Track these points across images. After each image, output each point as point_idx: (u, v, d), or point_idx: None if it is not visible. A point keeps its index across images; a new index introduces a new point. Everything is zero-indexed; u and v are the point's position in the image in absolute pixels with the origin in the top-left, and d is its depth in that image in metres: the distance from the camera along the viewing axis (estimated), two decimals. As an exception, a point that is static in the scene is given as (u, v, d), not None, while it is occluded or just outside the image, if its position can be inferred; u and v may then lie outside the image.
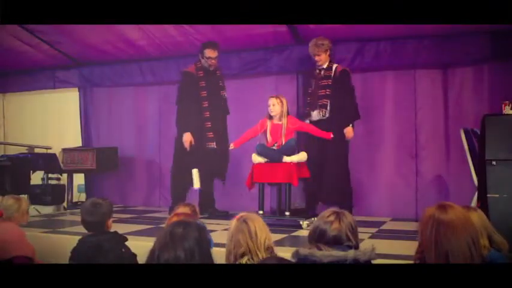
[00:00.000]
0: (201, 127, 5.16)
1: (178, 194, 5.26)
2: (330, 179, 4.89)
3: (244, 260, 2.17)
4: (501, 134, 3.58)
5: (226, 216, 5.16)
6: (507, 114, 3.74)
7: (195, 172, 5.04)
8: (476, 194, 3.99)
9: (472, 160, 4.30)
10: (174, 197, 5.34)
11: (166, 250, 1.70)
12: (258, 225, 2.24)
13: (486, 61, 5.07)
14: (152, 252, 1.75)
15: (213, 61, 5.18)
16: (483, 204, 3.57)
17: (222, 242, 3.53)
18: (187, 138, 5.13)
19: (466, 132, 4.44)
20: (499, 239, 2.21)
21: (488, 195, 3.52)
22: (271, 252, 2.23)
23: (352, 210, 4.62)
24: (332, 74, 4.91)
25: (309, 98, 4.98)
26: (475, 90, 5.16)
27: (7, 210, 3.19)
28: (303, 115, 4.94)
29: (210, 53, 5.15)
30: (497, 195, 3.50)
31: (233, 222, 2.29)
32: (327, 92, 4.87)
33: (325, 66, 4.95)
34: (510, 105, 3.76)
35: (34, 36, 6.08)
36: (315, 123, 4.84)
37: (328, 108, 4.85)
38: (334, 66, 4.96)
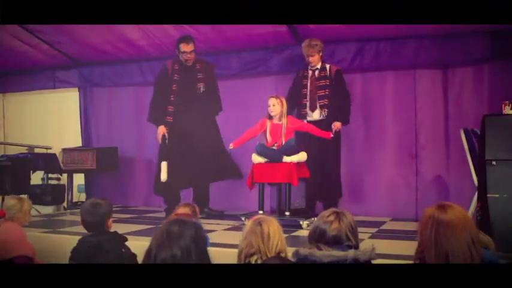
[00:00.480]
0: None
1: (170, 192, 5.15)
2: (329, 178, 4.91)
3: (254, 259, 2.18)
4: (501, 134, 3.57)
5: (221, 216, 5.13)
6: (507, 114, 3.73)
7: (163, 165, 4.96)
8: (476, 194, 3.99)
9: (472, 160, 4.30)
10: (167, 198, 5.23)
11: (163, 249, 1.71)
12: (273, 228, 2.24)
13: (486, 61, 5.06)
14: (149, 251, 1.75)
15: (188, 55, 5.00)
16: (483, 204, 3.56)
17: (222, 242, 3.55)
18: (160, 131, 5.04)
19: (466, 132, 4.44)
20: (486, 239, 2.21)
21: (488, 195, 3.51)
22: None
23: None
24: (328, 74, 4.93)
25: (304, 99, 4.95)
26: (475, 90, 5.16)
27: (10, 210, 3.19)
28: (298, 116, 4.93)
29: (184, 47, 4.99)
30: (497, 195, 3.50)
31: (249, 223, 2.31)
32: (326, 92, 4.88)
33: (318, 66, 4.95)
34: (510, 105, 3.75)
35: (34, 36, 6.07)
36: (315, 123, 4.84)
37: (329, 107, 4.87)
38: (328, 66, 4.98)
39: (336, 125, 4.84)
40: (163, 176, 4.94)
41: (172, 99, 5.03)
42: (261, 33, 5.43)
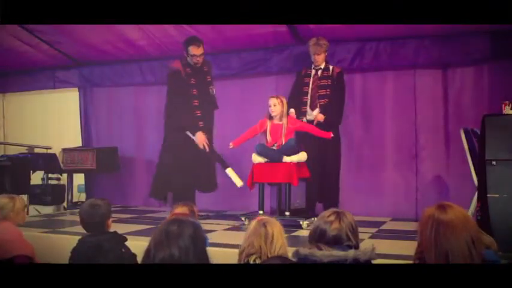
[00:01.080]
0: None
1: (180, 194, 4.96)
2: (330, 178, 4.92)
3: (252, 259, 2.19)
4: (501, 134, 3.58)
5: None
6: (507, 114, 3.74)
7: (230, 172, 4.84)
8: (476, 194, 3.99)
9: (472, 160, 4.30)
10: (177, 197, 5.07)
11: (162, 248, 1.70)
12: (276, 230, 2.25)
13: (486, 61, 5.07)
14: (148, 251, 1.75)
15: (198, 58, 4.93)
16: (483, 204, 3.56)
17: (222, 242, 3.55)
18: (201, 138, 4.87)
19: (466, 132, 4.44)
20: (488, 239, 2.21)
21: (488, 195, 3.52)
22: None
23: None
24: (330, 74, 4.94)
25: (305, 97, 4.96)
26: (475, 90, 5.16)
27: (2, 209, 3.14)
28: (298, 113, 4.93)
29: (194, 50, 4.89)
30: (497, 195, 3.50)
31: (253, 224, 2.30)
32: (327, 92, 4.89)
33: (322, 66, 4.96)
34: (510, 105, 3.76)
35: (34, 36, 6.08)
36: (313, 122, 4.84)
37: (328, 108, 4.87)
38: (331, 67, 5.01)
39: (319, 117, 4.80)
40: (239, 182, 4.81)
41: (197, 103, 4.92)
42: (261, 33, 5.43)
